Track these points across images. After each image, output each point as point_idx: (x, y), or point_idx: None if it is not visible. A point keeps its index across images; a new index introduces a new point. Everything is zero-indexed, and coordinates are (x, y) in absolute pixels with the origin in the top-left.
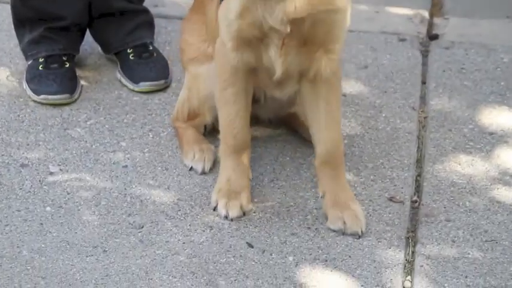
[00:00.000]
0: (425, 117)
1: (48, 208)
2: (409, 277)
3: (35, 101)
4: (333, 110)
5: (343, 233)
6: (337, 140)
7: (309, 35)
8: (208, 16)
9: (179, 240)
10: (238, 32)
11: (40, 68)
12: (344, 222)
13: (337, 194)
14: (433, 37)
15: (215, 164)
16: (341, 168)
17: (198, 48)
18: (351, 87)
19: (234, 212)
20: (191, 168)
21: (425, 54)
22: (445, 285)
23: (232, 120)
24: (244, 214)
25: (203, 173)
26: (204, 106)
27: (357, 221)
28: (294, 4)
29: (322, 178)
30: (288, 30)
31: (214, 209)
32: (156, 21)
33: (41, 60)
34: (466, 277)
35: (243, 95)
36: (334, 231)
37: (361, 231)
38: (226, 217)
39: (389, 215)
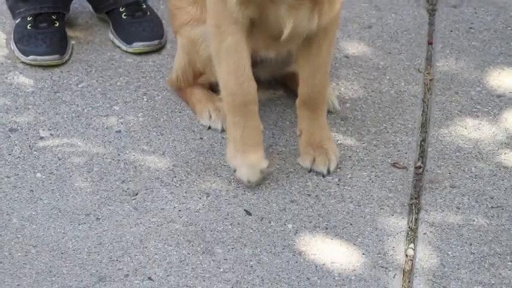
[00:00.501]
0: (431, 80)
1: (38, 174)
2: (412, 245)
3: (23, 62)
4: (323, 56)
5: (310, 171)
6: (321, 85)
7: None
8: None
9: (175, 207)
10: None
11: (28, 27)
12: (314, 160)
13: (312, 134)
14: None
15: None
16: (321, 110)
17: (188, 12)
18: (353, 48)
19: (254, 177)
20: (209, 128)
21: (432, 13)
22: (449, 253)
23: (236, 69)
24: (262, 175)
25: (223, 131)
26: (208, 66)
27: (325, 159)
28: None
29: (301, 117)
30: None
31: (234, 171)
32: None
33: (29, 19)
34: (471, 245)
35: (244, 45)
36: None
37: (328, 170)
38: (248, 182)
39: (392, 181)
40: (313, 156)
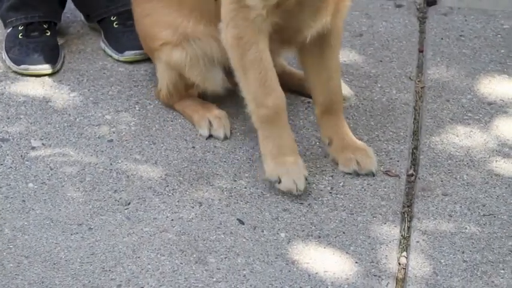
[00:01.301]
0: (422, 87)
1: (30, 184)
2: (404, 253)
3: (15, 72)
4: (336, 56)
5: (358, 174)
6: (339, 87)
7: None
8: None
9: (167, 217)
10: (280, 1)
11: (20, 37)
12: (357, 163)
13: (344, 138)
14: (430, 3)
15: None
16: (341, 112)
17: (176, 28)
18: (345, 56)
19: (302, 184)
20: (210, 137)
21: (422, 21)
22: (442, 261)
23: (265, 79)
24: (307, 182)
25: (225, 139)
26: (198, 77)
27: (370, 159)
28: None
29: (325, 125)
30: None
31: (279, 182)
32: None
33: (20, 28)
34: (463, 252)
35: (268, 53)
36: (348, 173)
37: (375, 170)
38: (297, 190)
39: (385, 189)
40: (356, 160)
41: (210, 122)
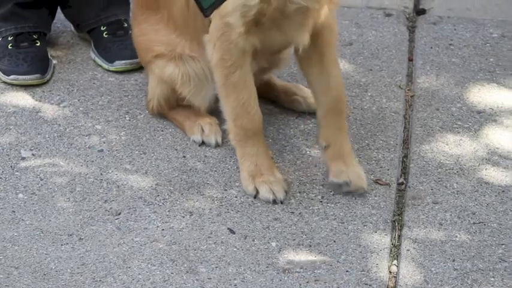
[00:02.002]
0: (412, 96)
1: (20, 195)
2: (395, 261)
3: (4, 82)
4: (334, 53)
5: (348, 186)
6: (341, 84)
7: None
8: (177, 8)
9: (158, 226)
10: (256, 17)
11: (9, 47)
12: (348, 177)
13: (341, 146)
14: (420, 12)
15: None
16: (344, 116)
17: (173, 47)
18: None
19: (281, 194)
20: (202, 143)
21: (412, 30)
22: (432, 269)
23: (246, 103)
24: (286, 194)
25: (217, 145)
26: (189, 94)
27: (361, 178)
28: None
29: (327, 126)
30: (318, 6)
31: (255, 196)
32: None
33: (10, 38)
34: (454, 261)
35: (250, 76)
36: (338, 184)
37: (366, 188)
38: (274, 201)
39: (375, 198)
40: (347, 175)
41: (202, 128)
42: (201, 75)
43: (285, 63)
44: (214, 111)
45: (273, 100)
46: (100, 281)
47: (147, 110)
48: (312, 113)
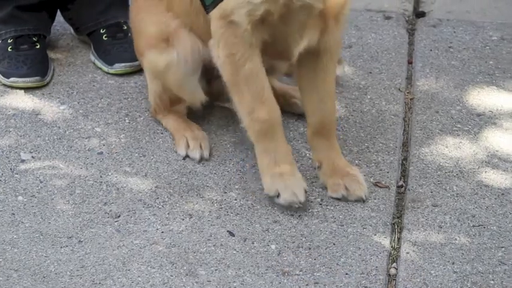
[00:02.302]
0: (411, 99)
1: (20, 197)
2: (394, 264)
3: (4, 85)
4: (330, 80)
5: (347, 200)
6: (332, 110)
7: (331, 6)
8: (178, 2)
9: (157, 229)
10: (263, 15)
11: (9, 50)
12: (346, 189)
13: (334, 162)
14: (419, 14)
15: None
16: (334, 137)
17: (166, 26)
18: None
19: (302, 197)
20: (186, 157)
21: (411, 32)
22: (432, 272)
23: (260, 93)
24: (307, 194)
25: (202, 160)
26: (183, 91)
27: (359, 185)
28: None
29: (317, 148)
30: (321, 6)
31: (278, 196)
32: None
33: (9, 41)
34: (453, 263)
35: (262, 68)
36: (337, 198)
37: (365, 196)
38: (297, 203)
39: (375, 201)
40: (345, 185)
41: (187, 142)
42: (187, 56)
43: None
44: (213, 111)
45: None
46: (99, 283)
47: (151, 114)
48: None
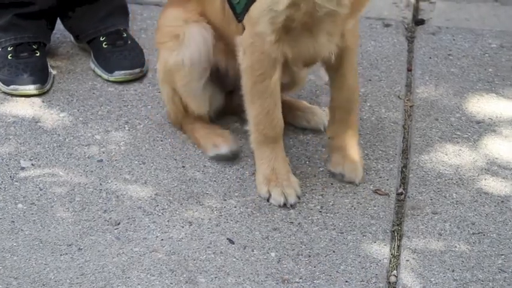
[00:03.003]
0: (411, 106)
1: (19, 205)
2: (394, 272)
3: (4, 92)
4: (354, 57)
5: (342, 178)
6: (354, 88)
7: (355, 9)
8: (213, 10)
9: (157, 236)
10: (286, 23)
11: (9, 57)
12: (343, 168)
13: (344, 140)
14: (419, 22)
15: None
16: (355, 117)
17: (178, 19)
18: None
19: (292, 198)
20: (219, 158)
21: (411, 40)
22: (432, 279)
23: (271, 111)
24: (299, 198)
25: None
26: (191, 100)
27: (355, 171)
28: None
29: (333, 122)
30: (347, 11)
31: (268, 199)
32: (131, 7)
33: (10, 48)
34: (453, 271)
35: (278, 86)
36: (334, 174)
37: (358, 181)
38: (285, 205)
39: (375, 208)
40: (343, 167)
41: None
42: (196, 56)
43: (302, 84)
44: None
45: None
46: None
47: (170, 121)
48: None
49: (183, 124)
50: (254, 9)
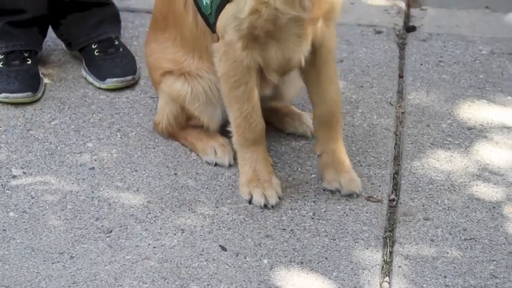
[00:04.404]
0: (402, 113)
1: (11, 213)
2: (387, 278)
3: None
4: (332, 71)
5: (340, 194)
6: (336, 99)
7: (318, 13)
8: (187, 27)
9: (149, 244)
10: (250, 30)
11: (0, 65)
12: (340, 183)
13: (334, 155)
14: (410, 29)
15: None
16: (339, 128)
17: (180, 65)
18: None
19: (273, 199)
20: (215, 164)
21: (402, 46)
22: (424, 285)
23: (248, 115)
24: (279, 199)
25: (229, 166)
26: (197, 110)
27: (353, 182)
28: None
29: (320, 138)
30: (310, 16)
31: (250, 201)
32: (123, 15)
33: (1, 56)
34: (445, 277)
35: (255, 91)
36: (330, 190)
37: (358, 191)
38: (266, 206)
39: (367, 215)
40: (339, 181)
41: (215, 150)
42: (209, 92)
43: (289, 98)
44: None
45: (276, 127)
46: None
47: (156, 131)
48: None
49: (177, 133)
50: (221, 18)
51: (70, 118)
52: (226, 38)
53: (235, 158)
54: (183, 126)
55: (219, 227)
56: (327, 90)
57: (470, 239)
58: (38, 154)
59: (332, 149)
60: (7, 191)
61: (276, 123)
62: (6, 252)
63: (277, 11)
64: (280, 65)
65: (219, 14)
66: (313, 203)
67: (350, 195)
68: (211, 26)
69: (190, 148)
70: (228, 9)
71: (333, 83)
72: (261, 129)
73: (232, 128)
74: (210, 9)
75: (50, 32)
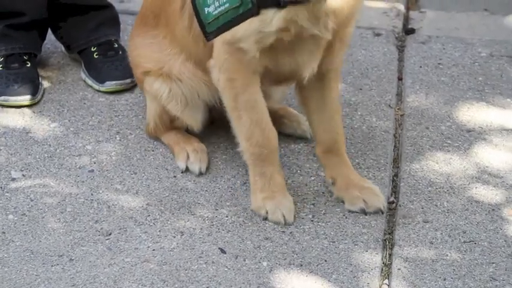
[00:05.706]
0: (401, 115)
1: (10, 216)
2: (386, 280)
3: None
4: (336, 97)
5: (366, 213)
6: (340, 126)
7: (339, 34)
8: (179, 30)
9: (149, 247)
10: (274, 43)
11: (0, 68)
12: (364, 201)
13: (348, 177)
14: (409, 31)
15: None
16: (344, 153)
17: (158, 62)
18: None
19: (291, 217)
20: (186, 170)
21: (401, 49)
22: None
23: (259, 120)
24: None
25: (200, 174)
26: (177, 111)
27: (377, 197)
28: (341, 10)
29: (329, 165)
30: (330, 36)
31: (266, 219)
32: (122, 17)
33: (0, 59)
34: (445, 279)
35: (261, 95)
36: (356, 212)
37: (383, 207)
38: (285, 224)
39: (366, 217)
40: (363, 199)
41: (188, 155)
42: (188, 96)
43: (276, 100)
44: (207, 134)
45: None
46: None
47: (146, 133)
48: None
49: (162, 135)
50: (237, 31)
51: (69, 121)
52: (239, 46)
53: (213, 161)
54: (168, 127)
55: (218, 229)
56: (334, 116)
57: (469, 242)
58: (37, 157)
59: (345, 172)
60: (6, 194)
61: (274, 125)
62: (6, 255)
63: (303, 28)
64: (285, 74)
65: (226, 27)
66: (312, 206)
67: (376, 213)
68: (207, 35)
69: (171, 152)
70: (250, 23)
71: (338, 109)
72: (275, 137)
73: (243, 143)
74: (214, 19)
75: (50, 34)
